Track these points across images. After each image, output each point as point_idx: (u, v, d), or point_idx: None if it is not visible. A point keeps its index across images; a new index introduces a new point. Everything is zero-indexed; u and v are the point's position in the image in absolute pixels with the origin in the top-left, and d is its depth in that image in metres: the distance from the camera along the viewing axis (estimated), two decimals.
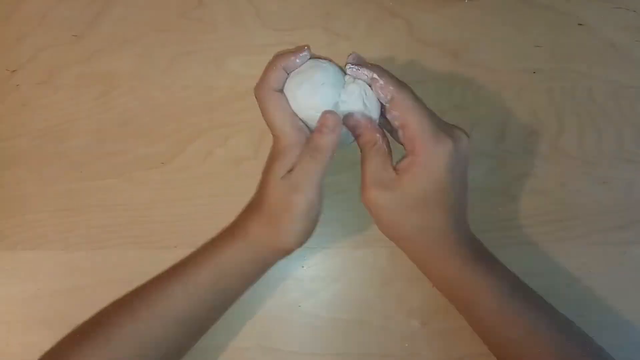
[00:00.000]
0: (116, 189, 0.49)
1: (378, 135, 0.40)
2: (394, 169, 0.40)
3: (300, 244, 0.41)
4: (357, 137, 0.41)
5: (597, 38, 0.52)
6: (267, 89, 0.41)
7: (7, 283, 0.48)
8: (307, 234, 0.41)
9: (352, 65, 0.41)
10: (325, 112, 0.40)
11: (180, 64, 0.51)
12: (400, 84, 0.41)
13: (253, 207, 0.42)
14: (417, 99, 0.40)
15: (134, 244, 0.49)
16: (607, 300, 0.48)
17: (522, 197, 0.49)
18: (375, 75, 0.40)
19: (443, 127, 0.40)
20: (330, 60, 0.42)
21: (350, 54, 0.42)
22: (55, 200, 0.49)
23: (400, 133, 0.40)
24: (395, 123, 0.40)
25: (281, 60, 0.41)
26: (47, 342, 0.47)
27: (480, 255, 0.42)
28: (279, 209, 0.39)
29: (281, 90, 0.41)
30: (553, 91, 0.51)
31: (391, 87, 0.40)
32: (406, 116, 0.39)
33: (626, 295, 0.48)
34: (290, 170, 0.40)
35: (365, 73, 0.40)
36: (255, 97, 0.42)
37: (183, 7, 0.52)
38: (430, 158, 0.39)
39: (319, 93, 0.40)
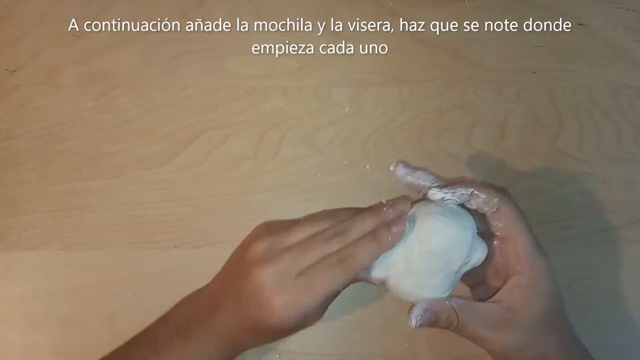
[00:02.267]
0: (116, 189, 0.49)
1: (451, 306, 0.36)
2: (492, 301, 0.36)
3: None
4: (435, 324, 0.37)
5: (597, 38, 0.52)
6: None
7: (7, 283, 0.48)
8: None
9: (439, 188, 0.36)
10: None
11: (180, 64, 0.51)
12: (500, 190, 0.37)
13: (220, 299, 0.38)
14: (518, 207, 0.37)
15: (134, 244, 0.49)
16: (607, 300, 0.48)
17: (522, 197, 0.49)
18: (475, 191, 0.36)
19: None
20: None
21: (425, 177, 0.37)
22: (55, 200, 0.49)
23: (496, 246, 0.37)
24: (497, 234, 0.37)
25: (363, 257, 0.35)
26: (47, 342, 0.47)
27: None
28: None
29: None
30: (553, 91, 0.51)
31: (496, 199, 0.36)
32: (511, 228, 0.36)
33: (626, 295, 0.48)
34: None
35: (462, 192, 0.36)
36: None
37: (183, 7, 0.52)
38: (538, 274, 0.36)
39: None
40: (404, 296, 0.37)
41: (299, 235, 0.36)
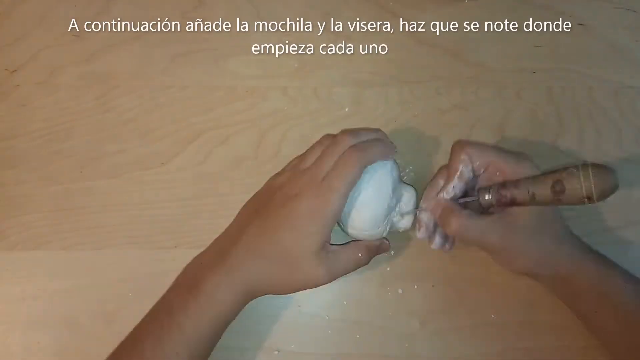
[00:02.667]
0: (116, 189, 0.49)
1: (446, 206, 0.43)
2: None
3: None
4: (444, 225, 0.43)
5: (597, 38, 0.52)
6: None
7: (7, 283, 0.48)
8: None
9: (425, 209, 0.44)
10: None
11: (180, 64, 0.51)
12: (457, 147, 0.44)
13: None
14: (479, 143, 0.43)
15: (133, 244, 0.49)
16: None
17: None
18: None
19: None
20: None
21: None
22: (55, 200, 0.49)
23: (482, 177, 0.44)
24: (479, 173, 0.43)
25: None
26: (47, 342, 0.47)
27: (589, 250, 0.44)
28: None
29: None
30: (553, 91, 0.51)
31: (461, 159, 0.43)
32: (482, 158, 0.43)
33: None
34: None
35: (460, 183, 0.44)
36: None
37: (183, 7, 0.52)
38: (526, 174, 0.41)
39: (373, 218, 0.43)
40: (359, 237, 0.44)
41: (312, 156, 0.43)
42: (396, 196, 0.43)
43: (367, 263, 0.43)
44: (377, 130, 0.46)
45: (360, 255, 0.42)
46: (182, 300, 0.40)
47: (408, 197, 0.44)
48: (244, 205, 0.45)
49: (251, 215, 0.43)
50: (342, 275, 0.42)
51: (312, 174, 0.41)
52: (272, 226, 0.40)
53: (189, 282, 0.42)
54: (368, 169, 0.41)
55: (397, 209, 0.44)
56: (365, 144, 0.41)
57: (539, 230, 0.41)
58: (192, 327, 0.39)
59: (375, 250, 0.44)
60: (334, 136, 0.43)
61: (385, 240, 0.45)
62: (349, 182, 0.39)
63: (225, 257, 0.41)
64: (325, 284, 0.41)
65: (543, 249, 0.42)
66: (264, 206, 0.42)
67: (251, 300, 0.42)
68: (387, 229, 0.44)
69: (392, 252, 0.47)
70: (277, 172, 0.48)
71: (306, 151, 0.46)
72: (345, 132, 0.43)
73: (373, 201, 0.42)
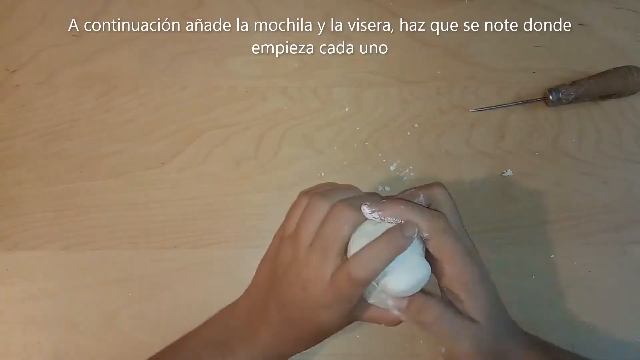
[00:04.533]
0: (116, 189, 0.49)
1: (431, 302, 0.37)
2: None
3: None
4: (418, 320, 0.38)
5: (597, 38, 0.52)
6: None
7: (7, 283, 0.48)
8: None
9: (368, 207, 0.36)
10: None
11: (180, 64, 0.51)
12: (430, 212, 0.37)
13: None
14: (445, 218, 0.37)
15: (133, 244, 0.49)
16: (607, 300, 0.48)
17: (522, 197, 0.49)
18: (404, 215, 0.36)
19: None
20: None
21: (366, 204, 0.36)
22: (55, 200, 0.49)
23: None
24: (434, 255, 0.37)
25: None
26: (47, 342, 0.47)
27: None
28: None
29: None
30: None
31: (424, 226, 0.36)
32: (442, 248, 0.37)
33: (626, 295, 0.48)
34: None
35: (390, 220, 0.36)
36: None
37: (183, 7, 0.52)
38: (474, 281, 0.37)
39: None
40: (384, 297, 0.38)
41: (293, 220, 0.39)
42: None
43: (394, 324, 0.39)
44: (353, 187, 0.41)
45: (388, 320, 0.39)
46: (212, 354, 0.40)
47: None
48: (259, 267, 0.42)
49: (267, 286, 0.40)
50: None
51: (296, 243, 0.37)
52: (284, 302, 0.38)
53: (221, 345, 0.41)
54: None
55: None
56: (353, 199, 0.37)
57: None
58: None
59: (395, 320, 0.39)
60: (310, 196, 0.38)
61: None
62: (340, 242, 0.36)
63: (256, 333, 0.40)
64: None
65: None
66: (274, 280, 0.39)
67: None
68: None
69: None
70: (279, 174, 0.48)
71: (287, 214, 0.41)
72: (323, 190, 0.39)
73: (404, 264, 0.36)
